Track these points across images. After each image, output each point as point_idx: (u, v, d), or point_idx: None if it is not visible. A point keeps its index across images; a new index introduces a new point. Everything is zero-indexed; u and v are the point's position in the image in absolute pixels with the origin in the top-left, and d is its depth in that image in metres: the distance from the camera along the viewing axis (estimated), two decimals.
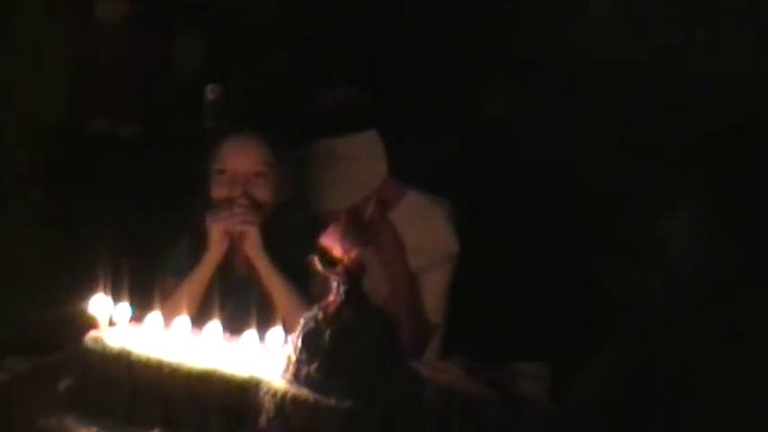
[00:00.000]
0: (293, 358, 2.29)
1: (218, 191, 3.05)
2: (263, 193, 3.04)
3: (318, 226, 2.42)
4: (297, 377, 2.26)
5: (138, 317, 2.56)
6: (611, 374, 2.41)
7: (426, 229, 3.28)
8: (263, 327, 2.47)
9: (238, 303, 2.72)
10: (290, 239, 2.98)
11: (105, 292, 2.53)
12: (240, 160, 3.05)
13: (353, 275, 2.30)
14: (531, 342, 3.04)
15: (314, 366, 2.24)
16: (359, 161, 3.27)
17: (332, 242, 2.31)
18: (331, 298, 2.31)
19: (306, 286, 2.88)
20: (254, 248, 2.99)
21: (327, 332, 2.25)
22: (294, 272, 2.88)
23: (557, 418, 2.58)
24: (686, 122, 3.26)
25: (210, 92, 3.63)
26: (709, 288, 2.31)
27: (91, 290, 2.54)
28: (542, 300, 3.43)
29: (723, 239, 2.35)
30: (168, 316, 2.54)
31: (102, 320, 2.51)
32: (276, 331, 2.45)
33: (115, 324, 2.52)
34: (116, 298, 2.54)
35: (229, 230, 2.98)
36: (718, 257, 2.34)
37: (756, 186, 2.34)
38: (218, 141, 3.13)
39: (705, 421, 2.20)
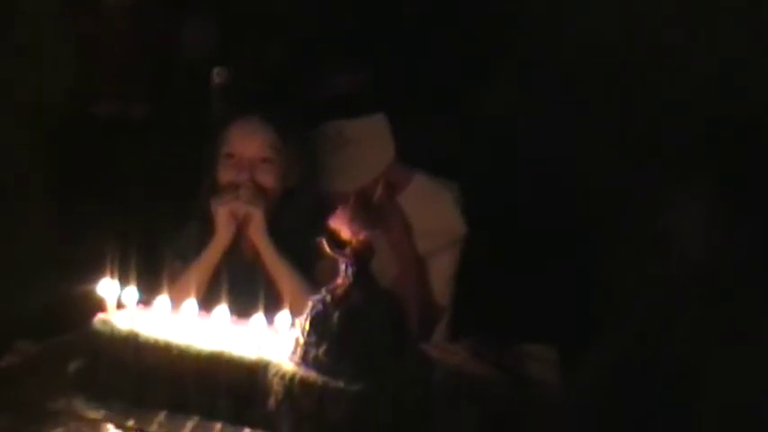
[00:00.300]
0: (301, 341, 2.30)
1: (225, 175, 3.04)
2: (269, 177, 3.04)
3: (326, 210, 2.41)
4: (305, 360, 2.27)
5: (145, 300, 2.56)
6: (616, 358, 2.41)
7: (434, 213, 3.29)
8: (272, 310, 2.48)
9: (246, 287, 2.73)
10: (298, 224, 2.98)
11: (113, 276, 2.54)
12: (247, 145, 3.05)
13: (362, 258, 2.30)
14: (539, 325, 3.04)
15: (322, 349, 2.25)
16: (366, 144, 3.27)
17: (340, 224, 2.31)
18: (339, 280, 2.31)
19: (312, 270, 2.89)
20: (257, 232, 2.98)
21: (336, 314, 2.26)
22: (302, 257, 2.89)
23: (565, 400, 2.59)
24: (687, 120, 3.25)
25: (217, 75, 3.62)
26: (712, 279, 2.31)
27: (99, 273, 2.54)
28: (550, 282, 3.43)
29: (725, 236, 2.36)
30: (176, 299, 2.54)
31: (110, 303, 2.51)
32: (284, 314, 2.46)
33: (123, 307, 2.53)
34: (124, 281, 2.54)
35: (234, 213, 2.98)
36: (723, 248, 2.34)
37: (757, 184, 2.34)
38: (225, 125, 3.12)
39: (706, 416, 2.20)
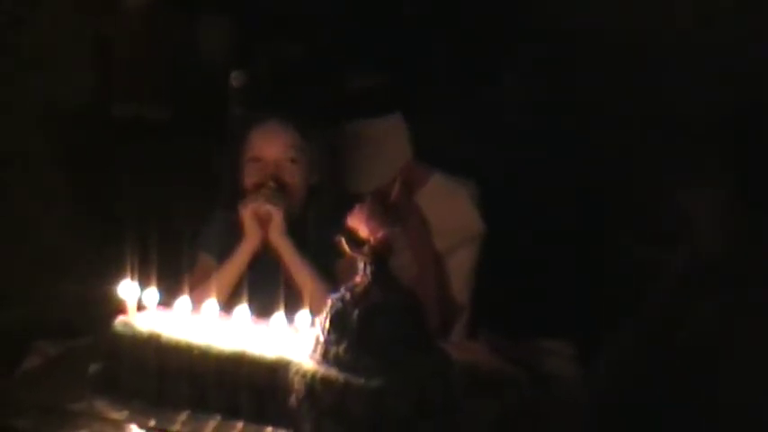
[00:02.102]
0: (321, 339, 2.31)
1: (251, 178, 3.08)
2: (294, 178, 3.07)
3: (347, 209, 2.43)
4: (326, 357, 2.28)
5: (166, 302, 2.57)
6: (633, 352, 2.41)
7: (452, 211, 3.29)
8: (293, 309, 2.49)
9: (267, 286, 2.74)
10: (321, 223, 3.00)
11: (133, 277, 2.55)
12: (271, 146, 3.08)
13: (380, 256, 2.31)
14: (557, 321, 3.05)
15: (342, 346, 2.26)
16: (384, 144, 3.28)
17: (358, 223, 2.32)
18: (358, 278, 2.32)
19: (334, 269, 2.91)
20: (276, 231, 3.01)
21: (355, 312, 2.26)
22: (327, 255, 2.90)
23: (583, 395, 2.59)
24: (702, 109, 3.25)
25: (235, 79, 3.63)
26: (731, 267, 2.32)
27: (119, 275, 2.56)
28: (568, 279, 3.43)
29: (745, 219, 2.36)
30: (201, 299, 2.56)
31: (130, 305, 2.53)
32: (304, 313, 2.47)
33: (144, 308, 2.55)
34: (144, 283, 2.56)
35: (257, 213, 3.00)
36: (741, 237, 2.35)
37: None
38: (246, 128, 3.15)
39: (723, 408, 2.21)
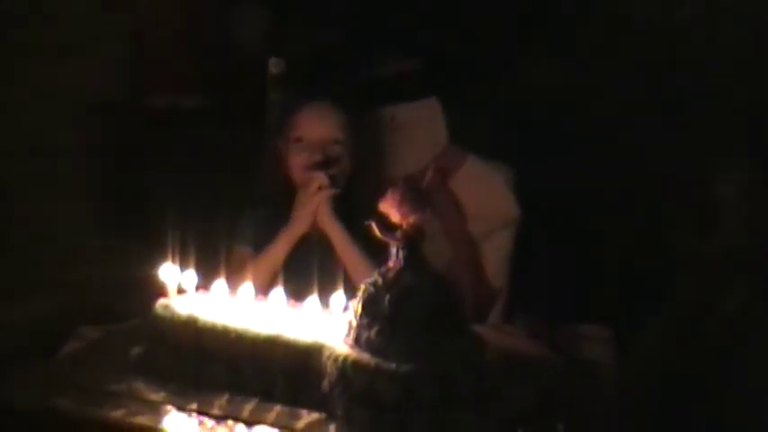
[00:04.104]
0: (354, 323, 2.33)
1: (297, 158, 3.09)
2: (341, 158, 3.09)
3: (381, 192, 2.44)
4: (358, 342, 2.30)
5: (203, 284, 2.61)
6: (671, 335, 2.41)
7: (487, 195, 3.28)
8: (328, 292, 2.51)
9: (302, 269, 2.75)
10: (363, 205, 3.01)
11: (173, 261, 2.59)
12: (318, 127, 3.09)
13: (412, 241, 2.32)
14: (594, 305, 3.04)
15: (374, 331, 2.27)
16: (419, 128, 3.28)
17: (390, 208, 2.33)
18: (390, 263, 2.34)
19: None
20: (325, 215, 3.03)
21: (387, 297, 2.28)
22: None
23: (619, 379, 2.59)
24: (731, 100, 3.22)
25: (274, 66, 3.64)
26: (761, 254, 2.30)
27: (160, 258, 2.59)
28: (604, 263, 3.42)
29: None
30: (241, 284, 2.58)
31: (170, 288, 2.57)
32: (339, 296, 2.49)
33: (184, 292, 2.58)
34: (183, 265, 2.60)
35: (312, 198, 3.02)
36: None
37: None
38: (285, 114, 3.16)
39: (759, 380, 2.20)
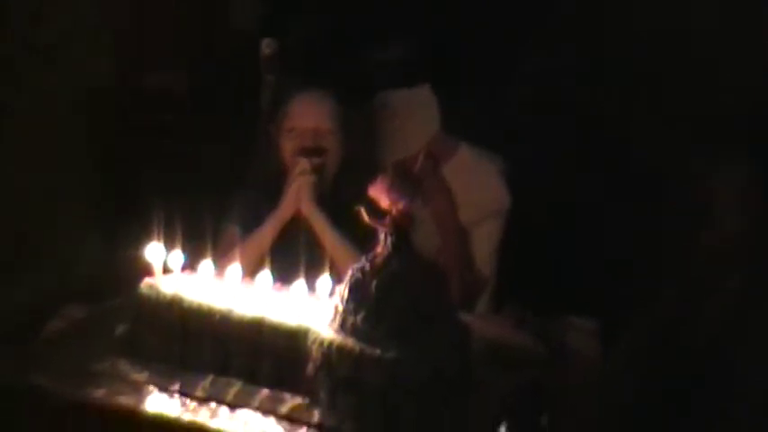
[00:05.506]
0: (340, 308, 2.32)
1: (288, 145, 3.10)
2: (332, 147, 3.10)
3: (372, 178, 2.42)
4: (343, 327, 2.29)
5: (190, 265, 2.59)
6: (657, 329, 2.40)
7: (478, 184, 3.28)
8: (313, 276, 2.50)
9: (289, 254, 2.75)
10: (355, 192, 3.01)
11: (159, 240, 2.57)
12: (310, 117, 3.11)
13: (401, 227, 2.31)
14: (581, 297, 3.04)
15: (360, 316, 2.27)
16: (412, 115, 3.26)
17: (379, 193, 2.32)
18: (378, 249, 2.33)
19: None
20: (307, 202, 3.04)
21: (374, 283, 2.27)
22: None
23: (605, 370, 2.59)
24: (726, 93, 3.22)
25: (266, 46, 3.62)
26: (752, 248, 2.30)
27: (146, 238, 2.57)
28: (593, 255, 3.41)
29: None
30: (228, 266, 2.57)
31: (156, 267, 2.55)
32: (325, 280, 2.48)
33: (170, 271, 2.57)
34: (169, 245, 2.58)
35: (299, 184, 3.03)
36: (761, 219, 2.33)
37: None
38: (279, 97, 3.16)
39: (745, 391, 2.19)
